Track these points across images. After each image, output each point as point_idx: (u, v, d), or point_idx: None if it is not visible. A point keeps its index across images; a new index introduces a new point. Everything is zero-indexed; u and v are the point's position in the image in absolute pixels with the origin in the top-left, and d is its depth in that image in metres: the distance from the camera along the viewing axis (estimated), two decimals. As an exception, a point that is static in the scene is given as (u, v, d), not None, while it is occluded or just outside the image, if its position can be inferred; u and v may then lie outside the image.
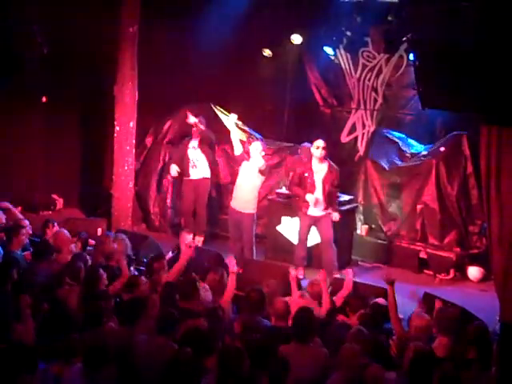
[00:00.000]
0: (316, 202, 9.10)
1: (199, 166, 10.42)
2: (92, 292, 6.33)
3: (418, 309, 6.93)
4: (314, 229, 9.87)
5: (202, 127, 10.30)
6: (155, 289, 6.69)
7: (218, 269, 7.31)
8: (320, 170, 9.19)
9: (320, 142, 9.16)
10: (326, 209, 9.22)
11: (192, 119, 10.26)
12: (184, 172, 10.46)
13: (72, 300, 6.28)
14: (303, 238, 9.40)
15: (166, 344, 5.41)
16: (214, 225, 11.26)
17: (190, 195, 10.50)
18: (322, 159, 9.15)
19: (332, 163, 9.30)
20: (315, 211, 9.21)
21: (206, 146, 10.47)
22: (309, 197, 9.09)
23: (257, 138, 9.89)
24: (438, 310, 6.41)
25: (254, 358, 5.14)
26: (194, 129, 10.32)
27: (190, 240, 7.64)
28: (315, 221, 9.28)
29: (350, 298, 6.68)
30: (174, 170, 10.49)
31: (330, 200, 9.24)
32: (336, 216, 9.21)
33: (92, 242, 8.42)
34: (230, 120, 9.80)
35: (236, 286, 7.20)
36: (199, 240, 10.23)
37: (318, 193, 9.16)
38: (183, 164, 10.44)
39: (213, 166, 10.61)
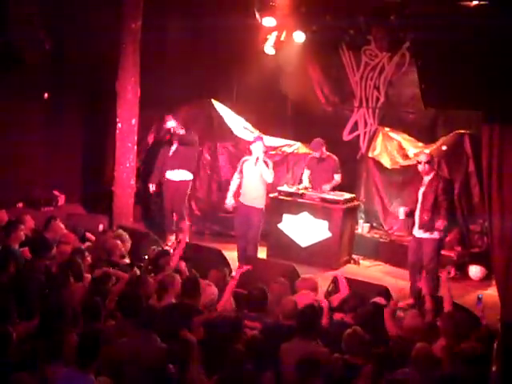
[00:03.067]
0: (406, 214, 8.59)
1: (177, 171, 10.31)
2: (100, 290, 6.33)
3: (413, 310, 6.95)
4: (317, 225, 9.88)
5: (181, 132, 10.25)
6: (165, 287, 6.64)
7: (221, 267, 7.33)
8: (424, 182, 8.55)
9: (422, 157, 8.61)
10: (427, 226, 8.37)
11: (170, 124, 10.20)
12: (164, 174, 10.41)
13: (74, 297, 6.28)
14: (410, 261, 8.66)
15: (151, 339, 5.43)
16: (215, 223, 11.26)
17: (170, 196, 10.40)
18: (425, 173, 8.51)
19: (439, 172, 8.67)
20: (418, 231, 8.49)
21: (187, 148, 10.34)
22: (400, 209, 8.70)
23: (258, 137, 9.83)
24: (445, 313, 6.37)
25: (256, 356, 5.17)
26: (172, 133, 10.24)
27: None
28: (420, 243, 8.50)
29: (348, 297, 6.68)
30: (150, 188, 10.56)
31: (436, 211, 8.33)
32: (439, 224, 8.32)
33: (91, 237, 8.41)
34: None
35: (237, 285, 7.21)
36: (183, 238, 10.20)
37: (418, 207, 8.49)
38: (164, 167, 10.38)
39: (194, 167, 10.48)
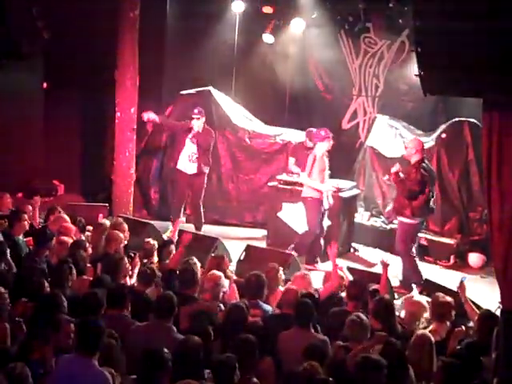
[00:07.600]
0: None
1: (195, 161, 10.16)
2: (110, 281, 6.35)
3: (409, 294, 7.00)
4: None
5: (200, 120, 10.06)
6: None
7: (217, 254, 7.36)
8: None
9: (409, 143, 8.80)
10: (398, 211, 8.68)
11: (145, 116, 10.15)
12: (178, 161, 10.23)
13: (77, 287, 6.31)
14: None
15: (164, 327, 5.46)
16: (214, 211, 11.25)
17: (184, 189, 10.30)
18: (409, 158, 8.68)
19: (421, 164, 8.49)
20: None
21: (203, 144, 10.13)
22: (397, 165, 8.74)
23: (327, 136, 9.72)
24: (431, 296, 6.45)
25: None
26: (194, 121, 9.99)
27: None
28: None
29: (348, 285, 6.68)
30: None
31: (407, 201, 8.48)
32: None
33: (89, 227, 8.41)
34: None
35: (237, 273, 7.24)
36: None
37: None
38: (179, 149, 10.24)
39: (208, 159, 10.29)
